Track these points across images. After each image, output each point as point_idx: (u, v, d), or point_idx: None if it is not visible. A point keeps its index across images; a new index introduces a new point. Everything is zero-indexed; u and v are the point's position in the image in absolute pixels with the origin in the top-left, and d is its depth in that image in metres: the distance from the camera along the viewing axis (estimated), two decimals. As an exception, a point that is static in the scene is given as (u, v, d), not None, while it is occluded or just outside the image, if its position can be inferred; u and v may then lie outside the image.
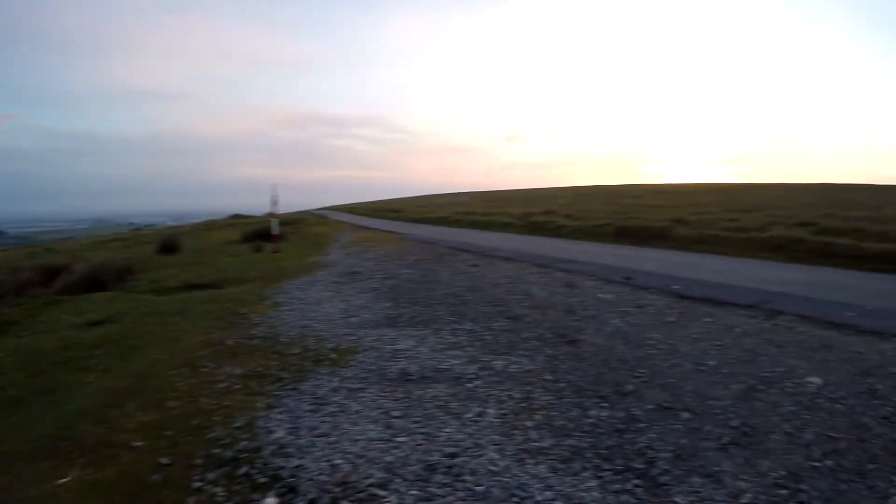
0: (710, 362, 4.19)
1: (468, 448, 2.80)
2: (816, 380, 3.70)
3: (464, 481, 2.47)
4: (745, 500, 2.31)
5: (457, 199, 49.37)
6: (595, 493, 2.39)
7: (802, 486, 2.36)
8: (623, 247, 12.82)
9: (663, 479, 2.51)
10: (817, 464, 2.56)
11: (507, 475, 2.53)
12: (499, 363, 4.22)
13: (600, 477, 2.54)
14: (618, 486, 2.45)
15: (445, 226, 23.58)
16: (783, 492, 2.33)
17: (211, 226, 31.61)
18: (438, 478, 2.51)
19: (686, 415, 3.24)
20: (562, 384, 3.79)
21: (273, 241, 13.71)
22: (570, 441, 2.92)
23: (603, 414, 3.27)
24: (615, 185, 54.86)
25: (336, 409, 3.32)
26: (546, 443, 2.89)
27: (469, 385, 3.73)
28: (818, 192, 29.29)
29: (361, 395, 3.56)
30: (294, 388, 3.69)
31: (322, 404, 3.41)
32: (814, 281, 7.60)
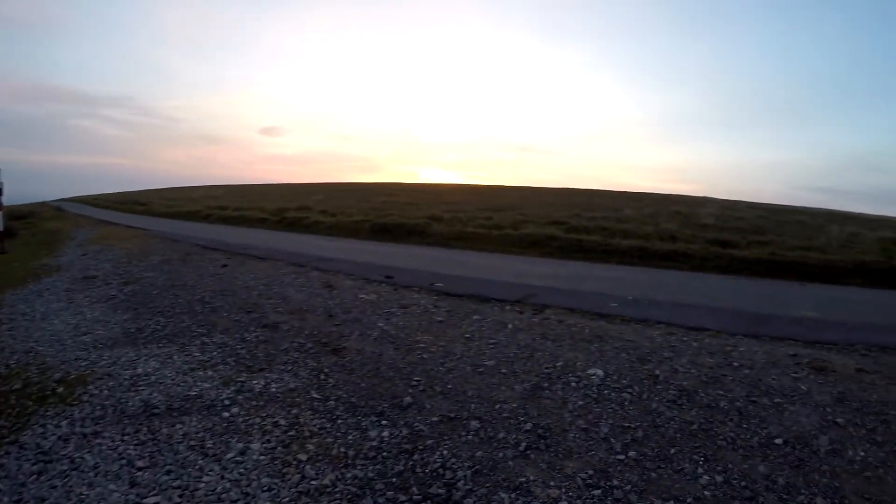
0: (488, 362, 4.49)
1: (236, 501, 2.65)
2: (598, 371, 4.28)
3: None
4: (560, 509, 2.39)
5: (210, 193, 51.09)
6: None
7: (614, 482, 2.61)
8: (381, 244, 13.84)
9: (468, 501, 2.46)
10: (621, 456, 2.89)
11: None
12: (258, 383, 4.16)
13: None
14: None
15: (196, 221, 24.58)
16: (596, 492, 2.54)
17: None
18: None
19: (475, 423, 3.32)
20: (332, 402, 3.69)
21: (-5, 238, 12.82)
22: (354, 472, 2.79)
23: (384, 434, 3.20)
24: (370, 183, 58.36)
25: (67, 467, 3.01)
26: (327, 479, 2.76)
27: (226, 414, 3.63)
28: (562, 195, 35.88)
29: (98, 441, 3.29)
30: (14, 442, 3.29)
31: (49, 461, 3.08)
32: (573, 274, 9.17)
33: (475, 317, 6.01)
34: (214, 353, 4.84)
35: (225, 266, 9.62)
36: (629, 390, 3.95)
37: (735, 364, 4.71)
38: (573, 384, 4.05)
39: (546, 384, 4.04)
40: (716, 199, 44.00)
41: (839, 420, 3.56)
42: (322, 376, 4.22)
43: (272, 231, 18.54)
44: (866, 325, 6.49)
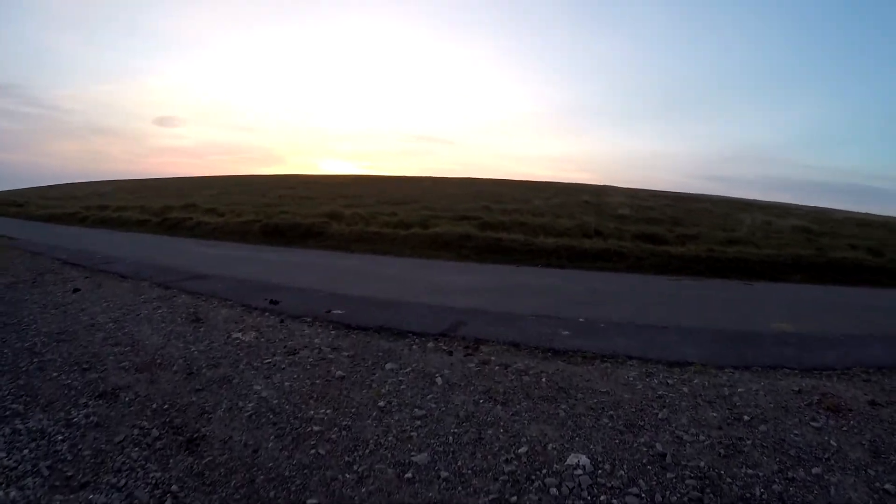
0: (418, 457, 3.01)
1: None
2: (582, 458, 2.90)
3: None
4: None
5: (98, 189, 45.08)
6: None
7: None
8: (272, 248, 12.20)
9: None
10: None
11: None
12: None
13: None
14: None
15: (73, 224, 21.32)
16: None
17: None
18: None
19: None
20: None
21: None
22: None
23: None
24: (268, 176, 55.08)
25: None
26: None
27: None
28: (464, 185, 34.93)
29: None
30: None
31: None
32: (501, 286, 7.95)
33: (389, 365, 4.43)
34: (25, 453, 3.09)
35: (77, 291, 7.46)
36: (634, 490, 2.62)
37: (745, 417, 3.57)
38: (553, 490, 2.64)
39: (513, 497, 2.60)
40: (616, 187, 45.13)
41: (888, 487, 2.81)
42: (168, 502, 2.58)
43: (153, 235, 16.13)
44: (847, 337, 5.79)
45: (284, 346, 4.93)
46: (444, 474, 2.81)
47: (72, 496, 2.64)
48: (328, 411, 3.55)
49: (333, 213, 15.32)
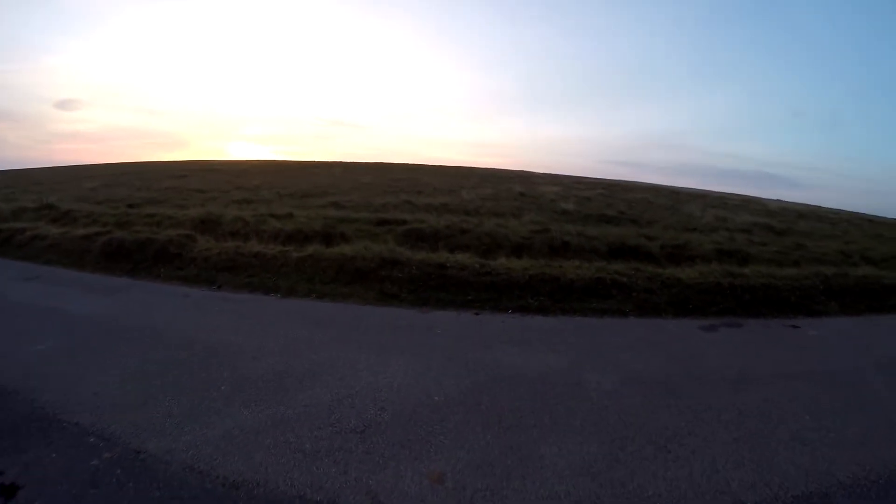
0: None
1: None
2: None
3: None
4: None
5: None
6: None
7: None
8: (106, 279, 8.25)
9: None
10: None
11: None
12: None
13: None
14: None
15: None
16: None
17: None
18: None
19: None
20: None
21: None
22: None
23: None
24: (165, 162, 47.93)
25: None
26: None
27: None
28: (378, 172, 30.95)
29: None
30: None
31: None
32: (478, 389, 4.21)
33: None
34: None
35: None
36: None
37: None
38: None
39: None
40: (536, 172, 42.73)
41: None
42: None
43: None
44: None
45: None
46: None
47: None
48: None
49: (208, 219, 11.02)
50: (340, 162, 42.72)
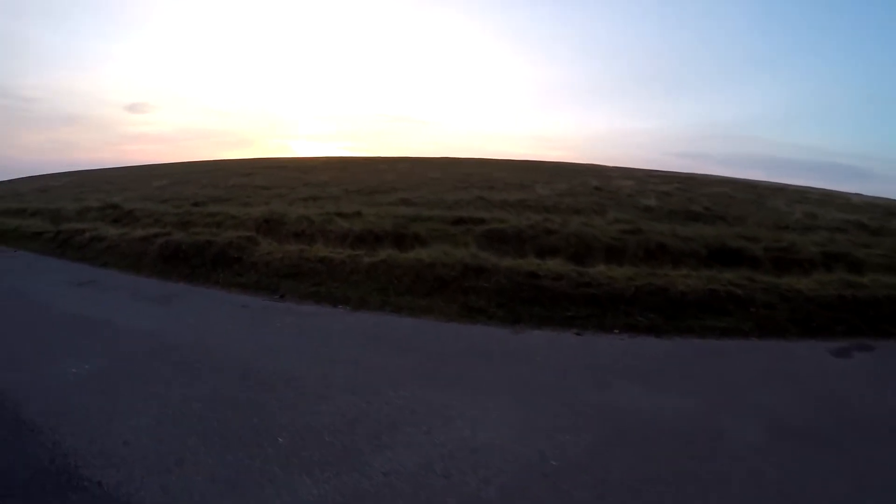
0: None
1: None
2: None
3: None
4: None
5: (48, 184, 38.18)
6: None
7: None
8: (164, 285, 7.62)
9: None
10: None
11: None
12: None
13: None
14: None
15: None
16: None
17: None
18: None
19: None
20: None
21: None
22: None
23: None
24: (232, 160, 48.85)
25: None
26: None
27: None
28: (446, 167, 30.01)
29: None
30: None
31: None
32: (611, 455, 3.18)
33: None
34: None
35: None
36: None
37: None
38: None
39: None
40: (604, 165, 40.65)
41: None
42: None
43: (37, 255, 10.49)
44: None
45: None
46: None
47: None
48: None
49: (271, 219, 10.33)
50: (406, 157, 42.09)
